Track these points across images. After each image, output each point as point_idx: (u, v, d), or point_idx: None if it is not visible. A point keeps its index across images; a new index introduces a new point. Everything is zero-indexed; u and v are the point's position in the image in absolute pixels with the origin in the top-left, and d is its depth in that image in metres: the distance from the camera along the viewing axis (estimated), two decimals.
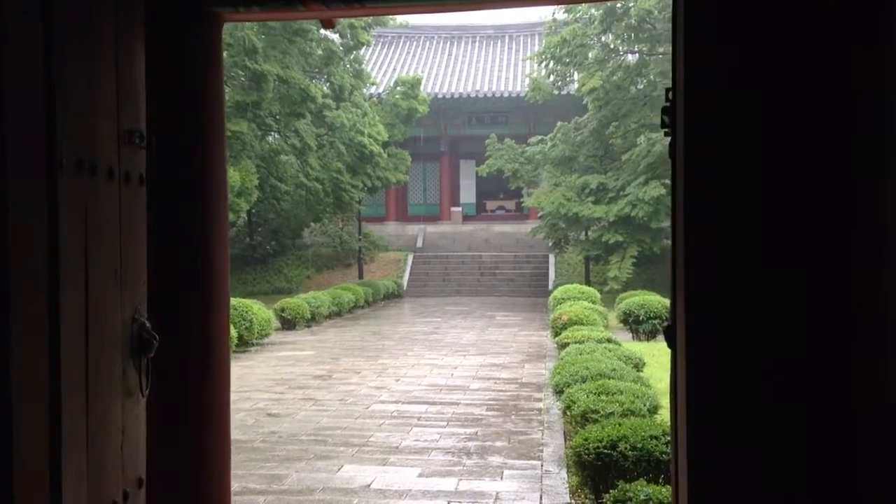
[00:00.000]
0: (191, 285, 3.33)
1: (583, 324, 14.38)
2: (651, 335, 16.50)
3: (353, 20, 24.94)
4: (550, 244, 29.78)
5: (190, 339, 3.31)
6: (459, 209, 37.72)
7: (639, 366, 10.65)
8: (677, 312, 1.87)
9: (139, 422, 2.60)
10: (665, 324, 11.93)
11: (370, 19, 26.65)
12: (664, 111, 2.21)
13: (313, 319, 20.28)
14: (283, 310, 19.33)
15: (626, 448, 5.80)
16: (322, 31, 25.60)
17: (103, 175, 2.29)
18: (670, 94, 2.38)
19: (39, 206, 1.98)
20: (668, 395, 8.95)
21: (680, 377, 1.82)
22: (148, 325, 2.58)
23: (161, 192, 3.03)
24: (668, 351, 9.72)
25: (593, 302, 18.34)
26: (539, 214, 28.19)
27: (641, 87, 26.38)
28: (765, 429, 1.70)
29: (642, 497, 4.83)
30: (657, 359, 12.61)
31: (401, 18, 34.45)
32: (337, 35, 26.41)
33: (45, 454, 1.97)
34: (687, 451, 1.72)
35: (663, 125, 2.27)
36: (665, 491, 4.89)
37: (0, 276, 1.83)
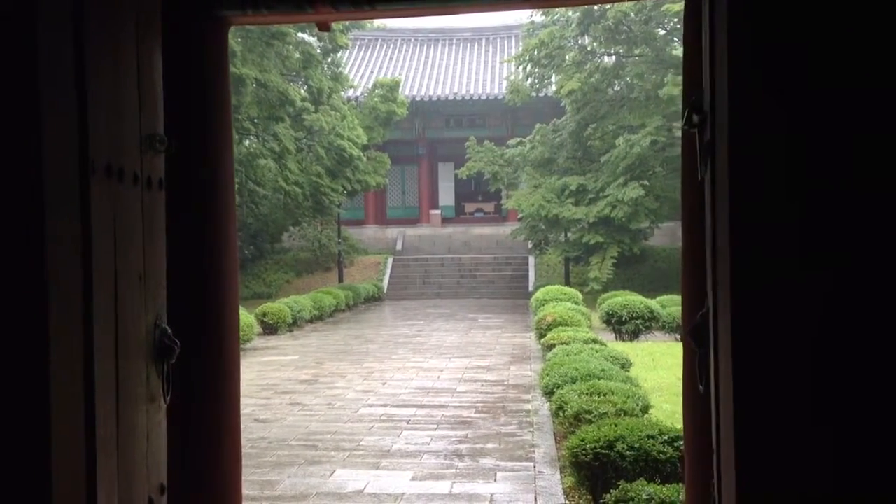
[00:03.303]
0: (201, 289, 3.31)
1: (567, 325, 14.42)
2: (634, 335, 16.58)
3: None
4: (530, 246, 29.86)
5: (200, 344, 3.28)
6: (438, 212, 37.75)
7: (625, 366, 10.70)
8: (719, 310, 1.86)
9: (161, 428, 2.58)
10: (652, 321, 11.86)
11: (348, 22, 26.59)
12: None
13: (295, 324, 20.21)
14: (264, 314, 19.24)
15: (623, 448, 5.81)
16: (299, 34, 25.50)
17: (129, 179, 2.27)
18: (691, 95, 2.40)
19: (73, 211, 1.96)
20: (656, 395, 8.91)
21: (724, 380, 1.80)
22: (169, 330, 2.56)
23: (170, 196, 3.00)
24: (652, 351, 9.67)
25: (575, 303, 18.40)
26: (519, 216, 28.27)
27: (619, 88, 26.57)
28: (829, 436, 1.68)
29: (644, 496, 4.84)
30: (641, 359, 12.69)
31: (378, 21, 34.36)
32: (315, 38, 26.33)
33: (81, 460, 1.94)
34: (735, 457, 1.69)
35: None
36: (666, 490, 4.91)
37: (38, 281, 1.81)
